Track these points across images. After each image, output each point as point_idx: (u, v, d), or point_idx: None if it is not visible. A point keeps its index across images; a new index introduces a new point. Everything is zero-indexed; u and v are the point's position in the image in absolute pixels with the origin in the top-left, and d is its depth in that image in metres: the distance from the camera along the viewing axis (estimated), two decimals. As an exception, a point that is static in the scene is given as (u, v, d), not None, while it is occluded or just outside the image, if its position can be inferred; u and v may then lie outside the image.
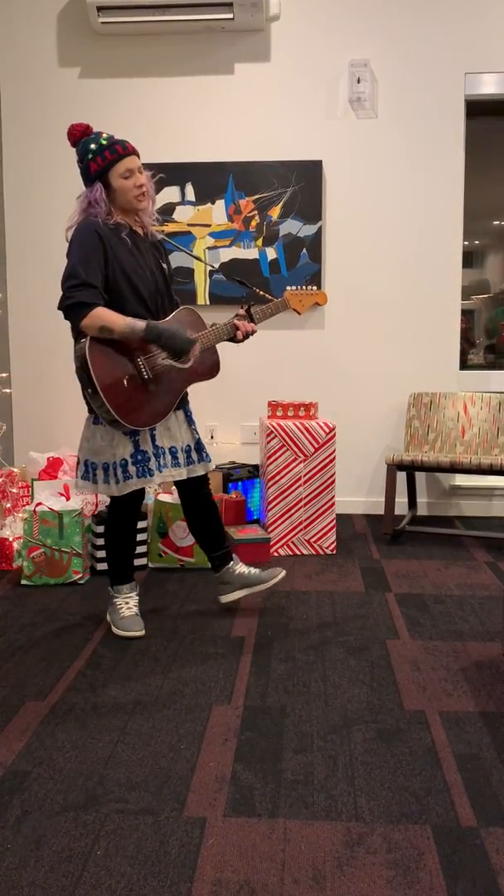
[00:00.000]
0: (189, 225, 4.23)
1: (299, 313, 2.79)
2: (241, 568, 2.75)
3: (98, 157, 2.36)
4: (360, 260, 4.26)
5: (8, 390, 4.46)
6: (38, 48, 4.25)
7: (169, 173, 4.20)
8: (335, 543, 3.61)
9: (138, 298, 2.43)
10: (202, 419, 4.37)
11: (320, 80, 4.17)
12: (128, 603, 2.63)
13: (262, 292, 2.84)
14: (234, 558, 2.76)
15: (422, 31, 4.11)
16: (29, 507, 3.15)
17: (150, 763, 1.79)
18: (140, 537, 3.30)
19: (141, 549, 3.31)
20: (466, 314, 4.55)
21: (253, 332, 2.61)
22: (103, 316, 2.30)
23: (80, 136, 2.42)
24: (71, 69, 4.25)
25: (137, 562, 3.29)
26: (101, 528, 3.22)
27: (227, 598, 2.77)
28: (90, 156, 2.37)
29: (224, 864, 1.44)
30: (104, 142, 2.37)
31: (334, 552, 3.59)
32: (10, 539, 3.33)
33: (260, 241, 4.22)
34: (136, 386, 2.37)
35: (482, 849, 1.48)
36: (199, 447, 2.63)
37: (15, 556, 3.30)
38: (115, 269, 2.38)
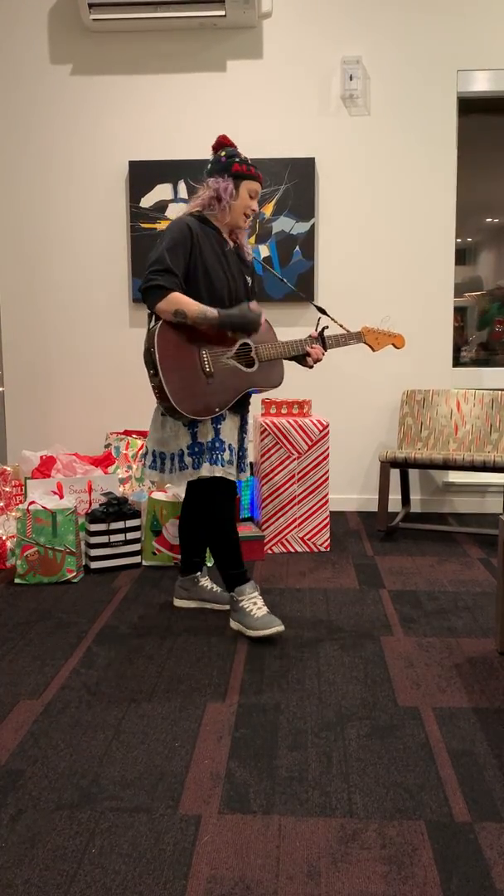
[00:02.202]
0: (182, 222, 4.22)
1: (373, 349, 2.84)
2: (205, 582, 2.83)
3: (244, 165, 2.54)
4: (352, 257, 4.26)
5: (0, 388, 4.45)
6: (30, 45, 4.23)
7: (161, 171, 4.20)
8: (329, 540, 3.61)
9: (214, 296, 2.51)
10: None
11: (313, 77, 4.17)
12: (255, 603, 2.56)
13: (339, 323, 2.92)
14: (203, 571, 2.84)
15: (414, 28, 4.11)
16: (22, 505, 3.14)
17: (144, 761, 1.79)
18: (135, 535, 3.30)
19: (135, 547, 3.31)
20: (459, 311, 4.56)
21: (320, 360, 2.69)
22: (179, 300, 2.40)
23: (230, 144, 2.61)
24: (62, 66, 4.24)
25: (131, 560, 3.30)
26: (94, 527, 3.22)
27: (178, 602, 2.84)
28: (237, 160, 2.54)
29: (219, 861, 1.44)
30: (250, 162, 2.56)
31: (328, 549, 3.59)
32: (4, 538, 3.32)
33: (253, 239, 4.22)
34: (195, 376, 2.44)
35: (476, 843, 1.49)
36: (242, 456, 2.68)
37: (8, 555, 3.30)
38: (198, 263, 2.49)
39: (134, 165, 4.21)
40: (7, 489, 3.68)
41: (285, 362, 4.30)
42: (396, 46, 4.13)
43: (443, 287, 4.24)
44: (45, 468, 3.72)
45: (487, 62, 4.11)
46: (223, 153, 2.56)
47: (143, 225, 4.24)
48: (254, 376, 2.57)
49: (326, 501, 3.56)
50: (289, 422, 3.51)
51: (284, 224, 4.20)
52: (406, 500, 4.23)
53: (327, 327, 2.76)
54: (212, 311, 2.42)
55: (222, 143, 2.59)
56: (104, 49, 4.21)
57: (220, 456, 2.50)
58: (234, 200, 2.53)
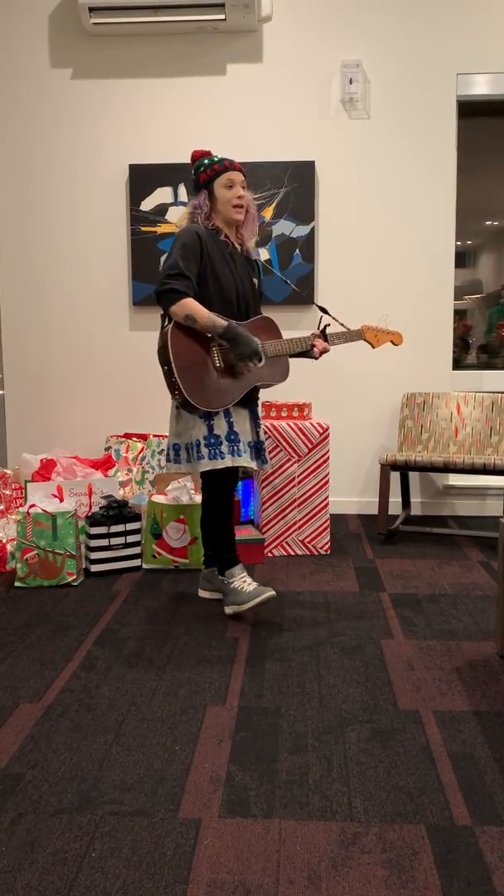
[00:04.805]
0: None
1: (373, 346, 3.02)
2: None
3: (208, 168, 2.69)
4: (352, 260, 4.27)
5: (0, 391, 4.46)
6: (31, 49, 4.24)
7: (161, 174, 4.20)
8: (329, 543, 3.61)
9: (223, 299, 2.68)
10: (196, 420, 4.36)
11: (312, 80, 4.18)
12: (245, 581, 2.72)
13: (340, 322, 3.11)
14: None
15: (414, 31, 4.12)
16: (22, 508, 3.14)
17: (144, 764, 1.78)
18: (135, 539, 3.30)
19: (135, 550, 3.31)
20: (462, 315, 4.56)
21: (327, 351, 2.88)
22: (191, 305, 2.58)
23: (200, 156, 2.74)
24: (63, 70, 4.25)
25: (131, 563, 3.30)
26: (95, 530, 3.22)
27: (203, 594, 2.99)
28: (202, 168, 2.70)
29: (219, 865, 1.44)
30: (216, 159, 2.69)
31: (328, 552, 3.59)
32: (4, 541, 3.32)
33: (252, 242, 4.21)
34: (207, 371, 2.63)
35: (476, 847, 1.48)
36: (260, 447, 2.83)
37: (8, 558, 3.30)
38: (207, 268, 2.65)
39: (134, 169, 4.21)
40: (7, 492, 3.68)
41: (294, 361, 4.31)
42: (396, 50, 4.14)
43: (443, 290, 4.25)
44: (45, 471, 3.72)
45: (487, 65, 4.12)
46: (193, 170, 2.72)
47: (143, 228, 4.24)
48: (261, 371, 2.75)
49: (327, 504, 3.55)
50: (289, 425, 3.51)
51: (284, 227, 4.20)
52: (406, 502, 4.22)
53: (329, 325, 2.97)
54: (220, 322, 2.59)
55: (193, 160, 2.72)
56: (105, 53, 4.22)
57: (236, 447, 2.66)
58: (212, 204, 2.68)
